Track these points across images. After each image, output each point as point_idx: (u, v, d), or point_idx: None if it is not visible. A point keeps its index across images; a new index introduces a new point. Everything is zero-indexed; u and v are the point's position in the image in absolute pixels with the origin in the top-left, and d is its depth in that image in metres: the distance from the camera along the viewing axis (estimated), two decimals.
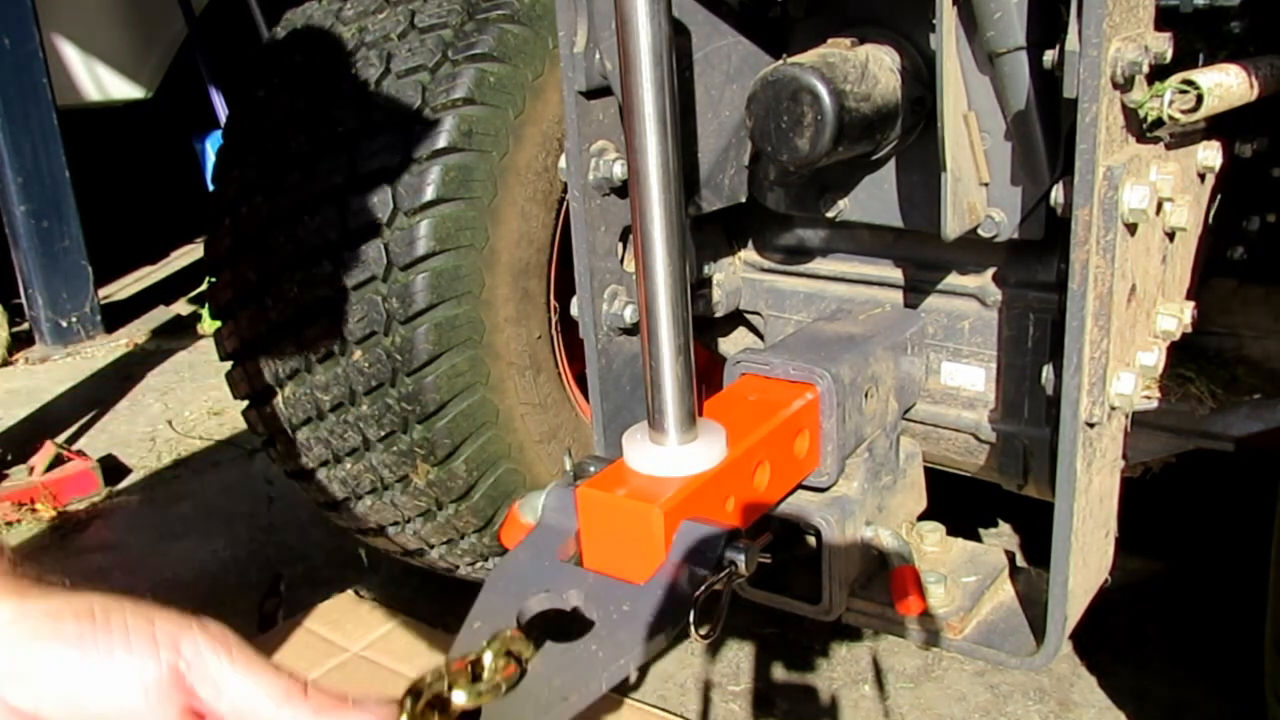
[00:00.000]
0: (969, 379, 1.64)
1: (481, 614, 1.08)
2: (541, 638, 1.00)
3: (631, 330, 1.66)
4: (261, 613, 2.55)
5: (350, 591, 2.58)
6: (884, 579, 1.57)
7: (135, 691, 0.76)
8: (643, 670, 2.24)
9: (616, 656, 1.02)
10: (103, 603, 0.78)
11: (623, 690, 2.16)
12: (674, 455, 1.20)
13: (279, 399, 2.13)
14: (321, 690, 0.83)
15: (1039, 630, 1.52)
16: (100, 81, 5.35)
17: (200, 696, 0.78)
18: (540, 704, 0.95)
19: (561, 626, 1.09)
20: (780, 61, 1.44)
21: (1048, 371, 1.41)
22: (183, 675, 0.77)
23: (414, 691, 0.86)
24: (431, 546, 2.23)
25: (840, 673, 2.19)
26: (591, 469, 1.25)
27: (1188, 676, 2.09)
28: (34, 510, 3.16)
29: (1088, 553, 1.47)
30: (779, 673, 2.20)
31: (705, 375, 1.70)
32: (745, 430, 1.32)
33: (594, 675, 0.99)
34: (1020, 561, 1.69)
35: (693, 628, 1.10)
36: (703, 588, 1.11)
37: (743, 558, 1.11)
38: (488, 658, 0.93)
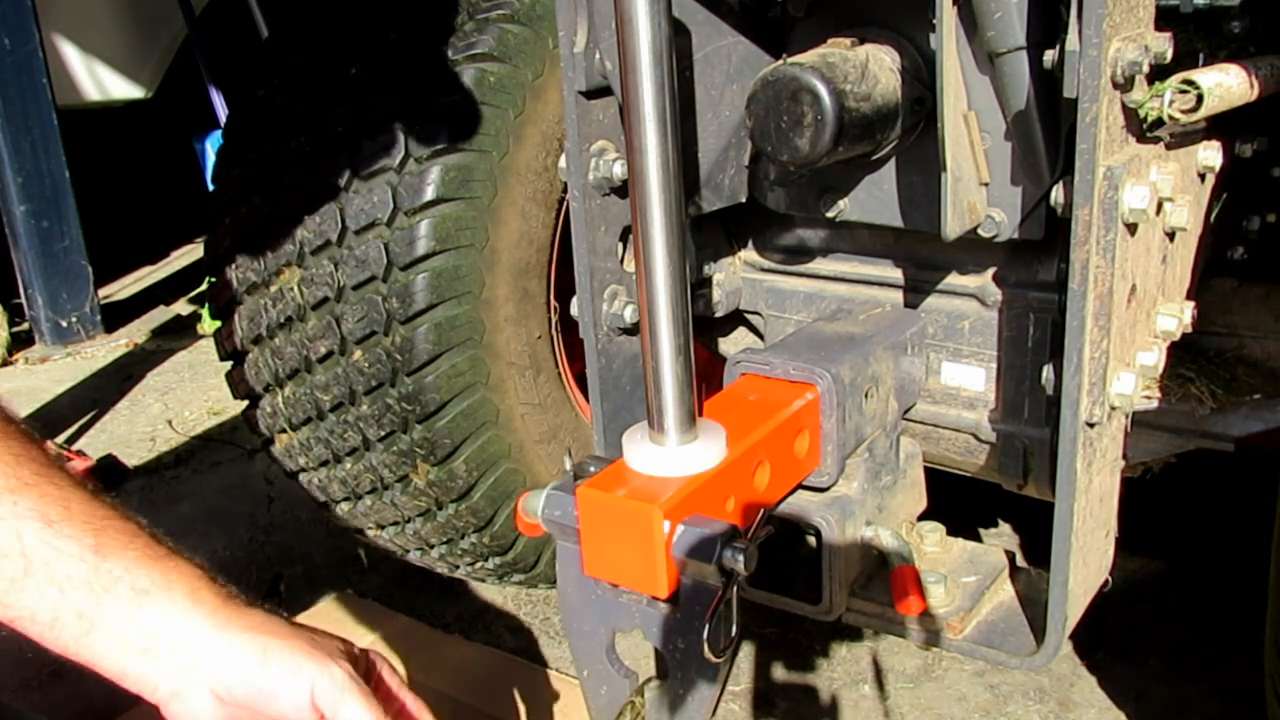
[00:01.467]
0: (969, 379, 1.64)
1: (585, 661, 1.29)
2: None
3: (631, 330, 1.66)
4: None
5: (350, 591, 2.57)
6: (884, 579, 1.57)
7: (288, 705, 1.05)
8: None
9: (700, 695, 1.20)
10: (280, 629, 1.07)
11: None
12: (674, 455, 1.20)
13: (279, 399, 2.13)
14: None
15: (1039, 630, 1.52)
16: (100, 81, 5.34)
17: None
18: None
19: None
20: (780, 61, 1.44)
21: (1048, 371, 1.41)
22: (317, 704, 1.06)
23: None
24: (431, 546, 2.23)
25: (840, 673, 2.19)
26: (591, 469, 1.25)
27: (1187, 676, 2.09)
28: None
29: (1088, 553, 1.47)
30: (779, 673, 2.20)
31: (705, 375, 1.70)
32: (745, 430, 1.32)
33: (694, 717, 1.21)
34: (1020, 561, 1.69)
35: (706, 649, 1.13)
36: (710, 610, 1.13)
37: (742, 558, 1.11)
38: None
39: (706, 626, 1.12)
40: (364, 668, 1.17)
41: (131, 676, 1.03)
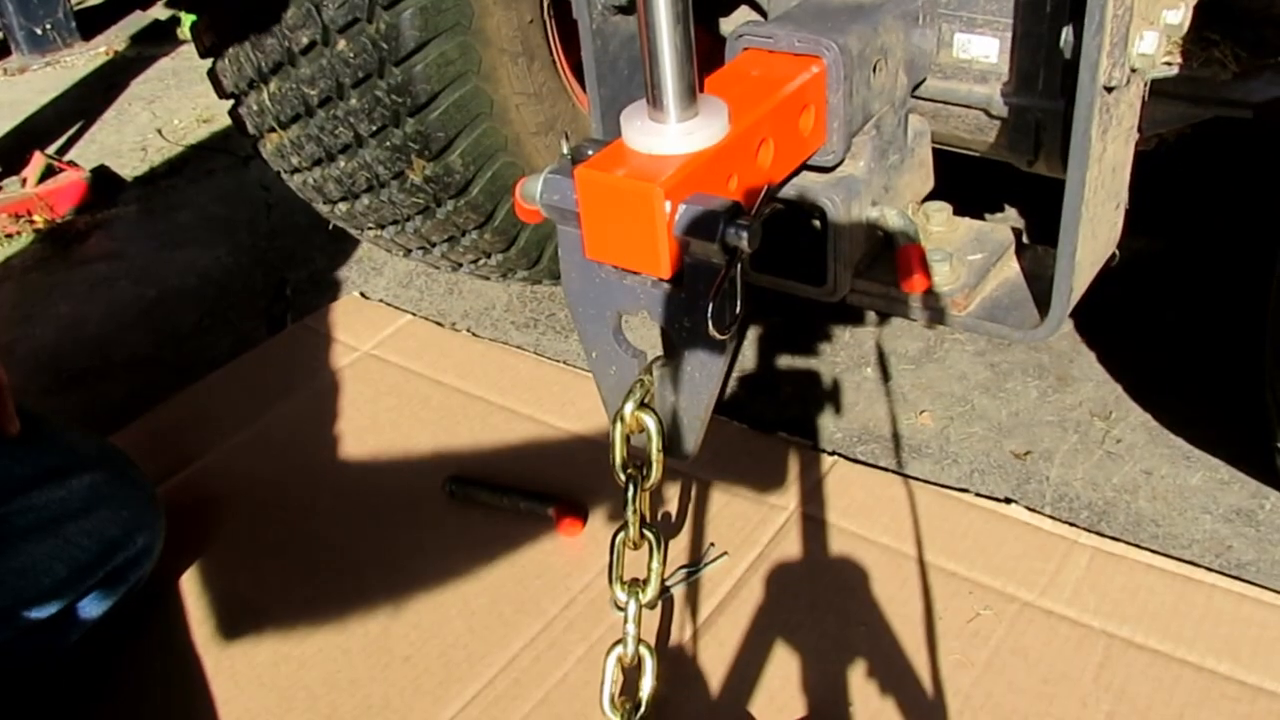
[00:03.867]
0: (983, 50, 1.57)
1: (593, 344, 1.29)
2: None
3: (628, 9, 1.58)
4: (269, 316, 2.58)
5: (356, 293, 2.59)
6: (889, 259, 1.56)
7: None
8: None
9: (707, 372, 1.21)
10: None
11: None
12: (674, 133, 1.16)
13: (264, 96, 2.05)
14: None
15: (1043, 305, 1.52)
16: None
17: None
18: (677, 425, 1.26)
19: None
20: None
21: (1067, 33, 1.34)
22: None
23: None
24: (433, 245, 2.22)
25: (843, 357, 2.22)
26: (589, 152, 1.21)
27: (1188, 349, 2.12)
28: (32, 222, 3.13)
29: (1097, 224, 1.45)
30: (783, 358, 2.23)
31: (706, 62, 1.62)
32: (748, 106, 1.27)
33: (700, 396, 1.23)
34: (1026, 239, 1.68)
35: (711, 327, 1.11)
36: (714, 288, 1.10)
37: (745, 235, 1.08)
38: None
39: (711, 304, 1.11)
40: None
41: None
